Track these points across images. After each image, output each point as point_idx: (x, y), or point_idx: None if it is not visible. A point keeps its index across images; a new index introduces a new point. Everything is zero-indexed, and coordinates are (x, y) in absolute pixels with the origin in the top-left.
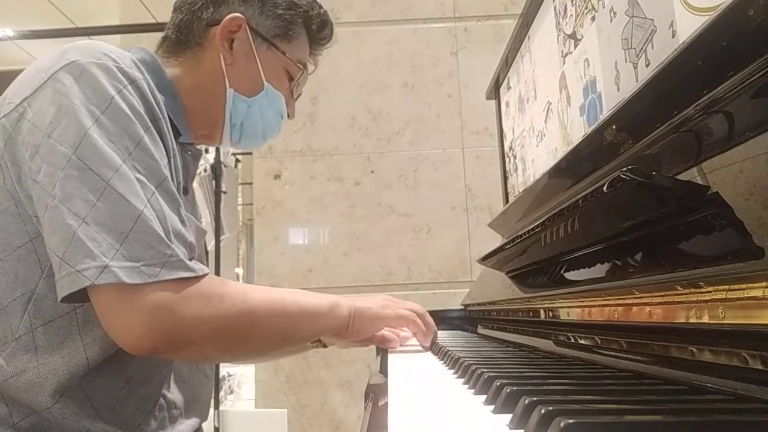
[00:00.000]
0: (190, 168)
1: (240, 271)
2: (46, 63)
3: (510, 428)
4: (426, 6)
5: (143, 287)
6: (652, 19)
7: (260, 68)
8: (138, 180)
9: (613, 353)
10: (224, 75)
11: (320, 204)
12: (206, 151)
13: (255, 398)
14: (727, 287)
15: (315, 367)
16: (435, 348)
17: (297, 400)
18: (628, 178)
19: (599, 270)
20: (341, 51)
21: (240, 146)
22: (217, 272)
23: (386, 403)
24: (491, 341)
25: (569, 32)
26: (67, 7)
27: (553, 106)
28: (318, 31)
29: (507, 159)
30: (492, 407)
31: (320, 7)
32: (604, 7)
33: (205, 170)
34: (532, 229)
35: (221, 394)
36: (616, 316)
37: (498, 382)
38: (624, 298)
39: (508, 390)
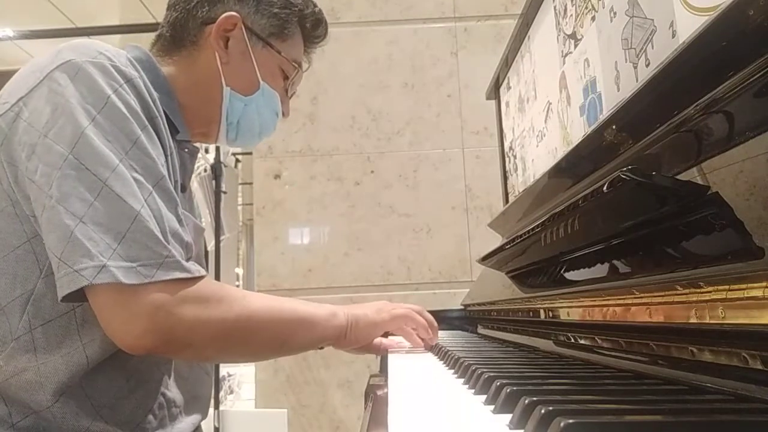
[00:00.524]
0: (188, 165)
1: (240, 271)
2: (42, 62)
3: (510, 428)
4: (426, 6)
5: (141, 287)
6: (652, 19)
7: (256, 67)
8: (135, 179)
9: (613, 353)
10: (220, 73)
11: (320, 204)
12: (206, 151)
13: (255, 398)
14: (727, 287)
15: (315, 367)
16: (435, 348)
17: (297, 400)
18: (628, 178)
19: (599, 270)
20: (341, 51)
21: (236, 144)
22: (217, 272)
23: (386, 404)
24: (491, 341)
25: (569, 32)
26: (67, 7)
27: (553, 106)
28: (312, 29)
29: (507, 159)
30: (492, 407)
31: (315, 5)
32: (604, 7)
33: (205, 170)
34: (532, 229)
35: (221, 394)
36: (616, 316)
37: (498, 382)
38: (624, 298)
39: (508, 390)
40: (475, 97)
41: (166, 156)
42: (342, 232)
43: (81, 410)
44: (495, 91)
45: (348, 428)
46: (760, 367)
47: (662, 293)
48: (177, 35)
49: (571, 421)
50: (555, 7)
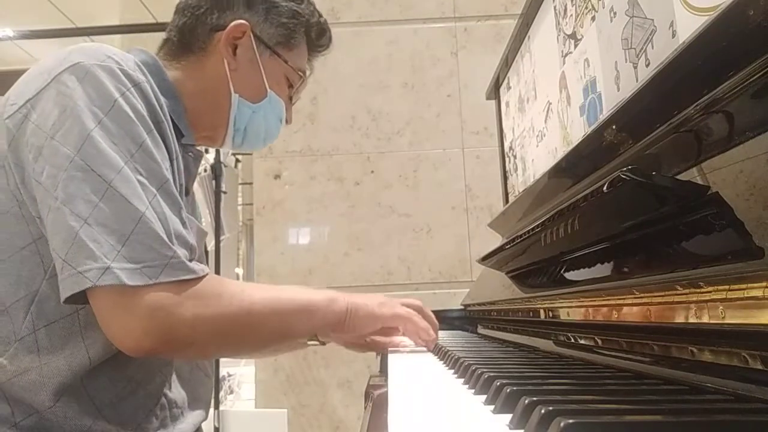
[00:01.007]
0: (192, 169)
1: (240, 271)
2: (50, 64)
3: (510, 428)
4: (426, 6)
5: (143, 289)
6: (652, 19)
7: (263, 75)
8: (140, 182)
9: (613, 353)
10: (228, 80)
11: (320, 204)
12: (206, 151)
13: (255, 398)
14: (727, 287)
15: (315, 367)
16: (435, 348)
17: (297, 400)
18: (628, 178)
19: (599, 270)
20: (341, 51)
21: (240, 149)
22: (217, 272)
23: (386, 403)
24: (491, 341)
25: (569, 32)
26: (67, 7)
27: (553, 106)
28: (317, 38)
29: (507, 159)
30: (492, 407)
31: (320, 15)
32: (604, 7)
33: (205, 170)
34: (532, 229)
35: (221, 394)
36: (616, 316)
37: (498, 382)
38: (624, 298)
39: (508, 390)
40: (475, 97)
41: (171, 160)
42: (342, 232)
43: (83, 410)
44: (495, 91)
45: (348, 428)
46: (760, 367)
47: (662, 293)
48: (185, 40)
49: (571, 421)
50: (555, 7)
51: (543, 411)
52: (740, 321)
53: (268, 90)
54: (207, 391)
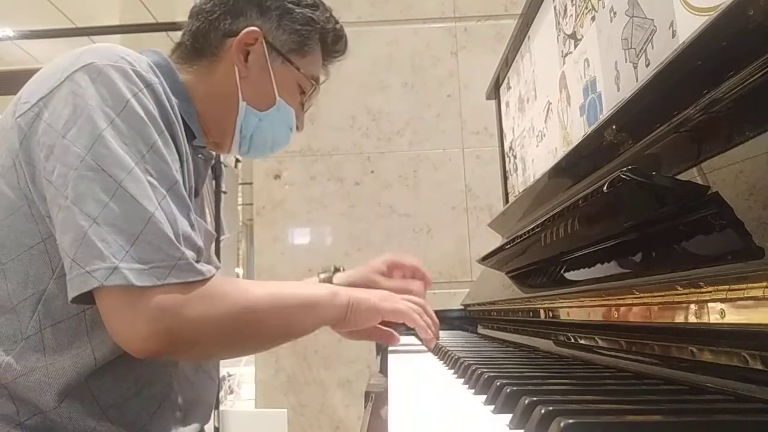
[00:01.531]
0: (202, 171)
1: (240, 271)
2: (63, 63)
3: (510, 428)
4: (426, 6)
5: (150, 290)
6: (652, 19)
7: (274, 82)
8: (149, 183)
9: (613, 353)
10: (238, 87)
11: (320, 204)
12: None
13: (255, 398)
14: (727, 287)
15: (315, 367)
16: (435, 348)
17: (297, 400)
18: (628, 178)
19: (599, 270)
20: None
21: (248, 156)
22: None
23: (386, 403)
24: (491, 341)
25: (569, 32)
26: (67, 7)
27: (553, 106)
28: (332, 44)
29: (507, 159)
30: (492, 407)
31: (336, 21)
32: (604, 7)
33: None
34: (532, 229)
35: (221, 394)
36: (616, 316)
37: (498, 382)
38: (624, 298)
39: (508, 390)
40: (475, 97)
41: (181, 162)
42: (342, 232)
43: (88, 411)
44: (495, 91)
45: (348, 428)
46: (760, 367)
47: (662, 293)
48: (198, 45)
49: (571, 421)
50: (555, 7)
51: (543, 411)
52: (740, 321)
53: (277, 98)
54: (211, 394)
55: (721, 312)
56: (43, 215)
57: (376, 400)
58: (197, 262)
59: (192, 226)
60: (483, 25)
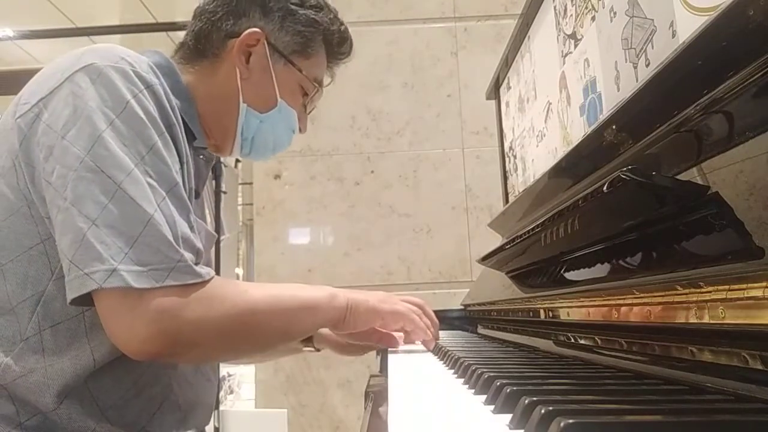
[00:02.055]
0: (203, 172)
1: (240, 271)
2: (64, 64)
3: (510, 428)
4: (426, 6)
5: (149, 292)
6: (652, 19)
7: (275, 84)
8: (149, 184)
9: (613, 353)
10: (239, 89)
11: (320, 204)
12: None
13: (255, 398)
14: (727, 287)
15: (315, 367)
16: (435, 348)
17: (297, 400)
18: (628, 178)
19: (599, 270)
20: None
21: (249, 158)
22: (217, 272)
23: (386, 403)
24: (491, 341)
25: (569, 32)
26: (67, 7)
27: (553, 106)
28: (337, 46)
29: (507, 159)
30: (492, 407)
31: (341, 23)
32: (604, 7)
33: None
34: (532, 229)
35: (221, 394)
36: (616, 316)
37: (498, 382)
38: (624, 298)
39: (508, 390)
40: (475, 97)
41: (181, 163)
42: (342, 232)
43: (87, 412)
44: (495, 91)
45: (348, 428)
46: (760, 367)
47: (662, 293)
48: (200, 46)
49: (571, 421)
50: (555, 7)
51: (543, 411)
52: (740, 321)
53: (279, 100)
54: (210, 396)
55: (721, 312)
56: (42, 216)
57: (375, 400)
58: (196, 264)
59: (191, 228)
60: (483, 25)
